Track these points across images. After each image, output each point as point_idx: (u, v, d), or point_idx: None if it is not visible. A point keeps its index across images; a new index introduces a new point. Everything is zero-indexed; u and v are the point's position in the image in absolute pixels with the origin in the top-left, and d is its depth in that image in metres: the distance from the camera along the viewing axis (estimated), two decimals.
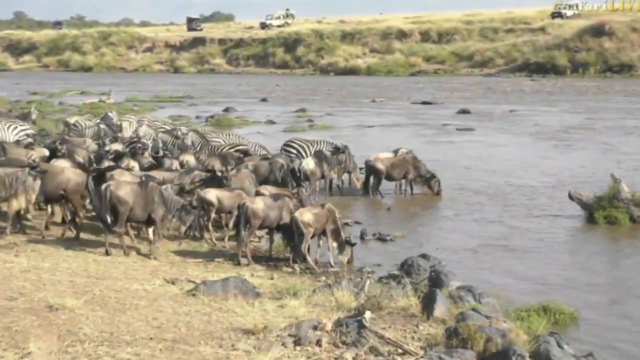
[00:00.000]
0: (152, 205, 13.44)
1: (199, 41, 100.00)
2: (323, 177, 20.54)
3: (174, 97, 55.30)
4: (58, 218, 15.44)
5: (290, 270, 13.36)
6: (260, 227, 14.14)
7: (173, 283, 11.40)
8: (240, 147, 21.02)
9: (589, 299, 12.36)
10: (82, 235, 14.30)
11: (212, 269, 12.96)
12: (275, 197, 14.26)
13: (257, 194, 15.17)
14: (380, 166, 20.47)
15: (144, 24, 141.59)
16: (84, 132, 24.41)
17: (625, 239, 16.46)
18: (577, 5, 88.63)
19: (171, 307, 9.89)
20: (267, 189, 15.64)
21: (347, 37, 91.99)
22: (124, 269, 12.17)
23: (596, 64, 73.33)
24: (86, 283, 10.89)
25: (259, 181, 17.49)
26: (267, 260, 14.00)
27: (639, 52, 73.64)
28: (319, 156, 20.34)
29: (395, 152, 21.66)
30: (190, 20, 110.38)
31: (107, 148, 18.79)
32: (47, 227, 14.67)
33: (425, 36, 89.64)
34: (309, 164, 19.86)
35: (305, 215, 13.56)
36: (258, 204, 13.88)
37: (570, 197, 17.99)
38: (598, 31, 75.46)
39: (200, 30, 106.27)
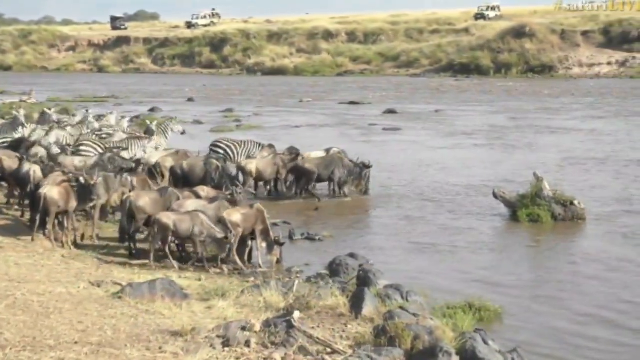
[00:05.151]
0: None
1: (124, 40, 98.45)
2: None
3: (98, 97, 54.29)
4: None
5: (218, 271, 13.27)
6: None
7: (98, 286, 11.20)
8: None
9: (513, 295, 12.61)
10: (3, 239, 13.93)
11: (139, 270, 12.78)
12: (212, 199, 14.24)
13: (195, 195, 15.06)
14: (308, 166, 20.47)
15: (65, 22, 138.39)
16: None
17: (547, 236, 16.83)
18: (499, 7, 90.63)
19: (96, 310, 9.71)
20: (205, 190, 15.52)
21: (274, 37, 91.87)
22: (47, 272, 11.89)
23: (518, 64, 74.89)
24: (7, 287, 10.61)
25: (194, 182, 17.31)
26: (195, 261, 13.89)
27: (558, 54, 75.56)
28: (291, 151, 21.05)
29: (327, 151, 21.73)
30: (114, 19, 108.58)
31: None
32: None
33: (351, 36, 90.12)
34: None
35: (234, 216, 13.51)
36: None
37: (495, 195, 18.32)
38: (519, 33, 77.11)
39: (125, 29, 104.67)
